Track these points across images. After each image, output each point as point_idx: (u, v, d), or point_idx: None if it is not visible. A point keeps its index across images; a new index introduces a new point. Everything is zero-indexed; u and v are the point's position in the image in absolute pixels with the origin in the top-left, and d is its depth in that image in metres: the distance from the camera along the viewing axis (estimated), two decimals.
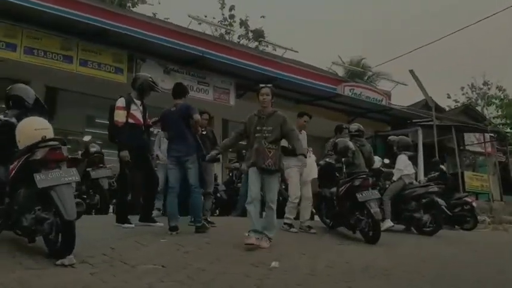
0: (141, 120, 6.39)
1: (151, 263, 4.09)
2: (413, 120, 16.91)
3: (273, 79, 13.10)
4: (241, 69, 12.68)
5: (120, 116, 6.19)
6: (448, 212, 8.61)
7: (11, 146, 4.38)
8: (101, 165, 8.36)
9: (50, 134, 4.34)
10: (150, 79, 6.57)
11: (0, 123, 4.62)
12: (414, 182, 9.11)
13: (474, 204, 12.35)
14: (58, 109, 12.30)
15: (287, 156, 7.34)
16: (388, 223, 8.57)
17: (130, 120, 6.27)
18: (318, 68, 16.33)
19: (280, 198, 10.16)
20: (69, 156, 9.23)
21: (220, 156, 7.72)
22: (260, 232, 5.41)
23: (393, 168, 9.20)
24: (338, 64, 17.55)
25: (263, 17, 39.91)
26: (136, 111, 6.36)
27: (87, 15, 10.57)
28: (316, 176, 7.86)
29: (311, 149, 7.94)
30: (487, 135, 19.59)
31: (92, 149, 8.60)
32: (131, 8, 24.42)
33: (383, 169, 9.51)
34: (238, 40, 30.28)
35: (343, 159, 7.88)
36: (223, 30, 30.14)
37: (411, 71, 15.72)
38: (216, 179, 10.84)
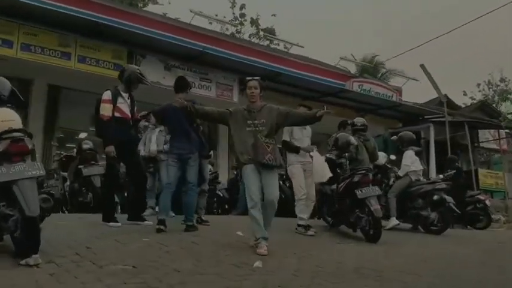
0: (129, 114, 6.13)
1: (122, 264, 3.81)
2: (425, 117, 16.41)
3: (277, 75, 12.83)
4: (244, 65, 12.34)
5: (105, 110, 5.94)
6: (456, 209, 8.21)
7: None
8: (93, 162, 8.11)
9: (17, 126, 4.08)
10: (138, 71, 6.31)
11: None
12: (421, 179, 8.71)
13: (487, 202, 11.87)
14: (61, 107, 12.17)
15: (288, 153, 7.09)
16: (393, 221, 8.23)
17: (117, 114, 6.01)
18: (326, 63, 15.97)
19: (283, 196, 9.91)
20: (64, 154, 9.20)
21: (212, 153, 7.51)
22: (267, 238, 4.94)
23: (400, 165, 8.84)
24: (346, 59, 17.10)
25: (274, 15, 39.69)
26: (123, 104, 6.10)
27: (85, 10, 10.41)
28: (330, 175, 7.40)
29: (315, 147, 7.47)
30: (503, 132, 18.95)
31: (85, 146, 8.37)
32: (142, 8, 24.34)
33: (389, 165, 9.14)
34: (249, 39, 29.99)
35: (346, 154, 7.56)
36: (233, 29, 30.04)
37: (422, 66, 15.24)
38: (217, 177, 10.56)
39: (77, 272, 3.50)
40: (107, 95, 6.02)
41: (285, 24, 50.81)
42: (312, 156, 7.14)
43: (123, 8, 11.65)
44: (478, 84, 33.28)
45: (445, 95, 19.78)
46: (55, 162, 9.10)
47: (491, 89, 33.10)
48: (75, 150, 8.90)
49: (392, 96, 16.52)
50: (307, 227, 6.77)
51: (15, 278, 3.22)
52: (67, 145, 13.90)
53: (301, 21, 53.37)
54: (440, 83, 15.51)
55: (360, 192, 6.42)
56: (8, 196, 3.77)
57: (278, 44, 29.27)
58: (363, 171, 6.72)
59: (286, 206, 7.63)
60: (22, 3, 9.52)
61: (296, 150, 6.97)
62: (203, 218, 7.03)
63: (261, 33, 30.85)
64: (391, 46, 45.97)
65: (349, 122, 8.92)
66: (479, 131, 18.88)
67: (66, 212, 8.43)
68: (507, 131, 19.07)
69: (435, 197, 8.19)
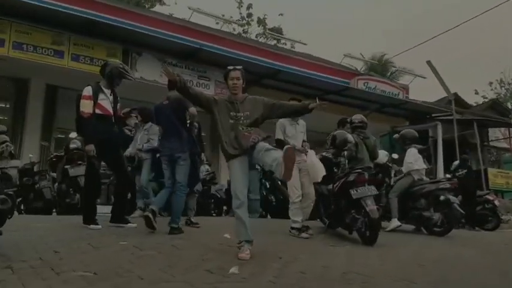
0: (111, 110, 5.85)
1: (84, 270, 3.51)
2: (433, 115, 15.97)
3: (277, 72, 12.51)
4: (244, 63, 11.99)
5: (86, 107, 5.67)
6: (461, 210, 7.80)
7: None
8: (80, 162, 7.83)
9: None
10: (121, 65, 6.04)
11: None
12: (424, 178, 8.32)
13: (496, 202, 11.45)
14: (59, 107, 12.00)
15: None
16: (394, 223, 7.88)
17: (98, 111, 5.73)
18: (329, 61, 15.59)
19: (281, 196, 9.61)
20: (54, 154, 8.95)
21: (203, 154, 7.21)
22: (252, 242, 4.62)
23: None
24: (351, 57, 16.68)
25: (281, 14, 39.41)
26: (105, 100, 5.82)
27: (79, 7, 10.20)
28: (323, 174, 7.01)
29: (308, 145, 7.11)
30: None
31: (72, 146, 8.10)
32: (149, 9, 24.15)
33: (390, 164, 8.77)
34: (256, 39, 29.73)
35: (344, 152, 7.22)
36: (240, 29, 29.82)
37: (429, 62, 14.84)
38: (214, 177, 10.25)
39: (30, 279, 3.20)
40: (87, 91, 5.76)
41: (292, 23, 50.39)
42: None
43: (118, 5, 11.38)
44: (490, 83, 32.74)
45: (455, 94, 19.35)
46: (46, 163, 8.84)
47: (503, 88, 32.52)
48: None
49: (398, 94, 16.13)
50: (301, 230, 6.44)
51: None
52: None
53: (307, 21, 53.04)
54: (452, 81, 15.13)
55: (354, 192, 6.08)
56: None
57: (285, 44, 29.08)
58: (359, 170, 6.36)
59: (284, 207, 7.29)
60: (14, 0, 9.32)
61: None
62: (193, 219, 6.76)
63: (266, 32, 30.58)
64: (398, 45, 45.37)
65: (348, 120, 8.57)
66: (489, 129, 18.41)
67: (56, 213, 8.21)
68: None
69: (440, 197, 7.83)
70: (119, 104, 6.08)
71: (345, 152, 7.21)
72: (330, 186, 6.86)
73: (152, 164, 7.27)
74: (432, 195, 7.90)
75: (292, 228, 6.50)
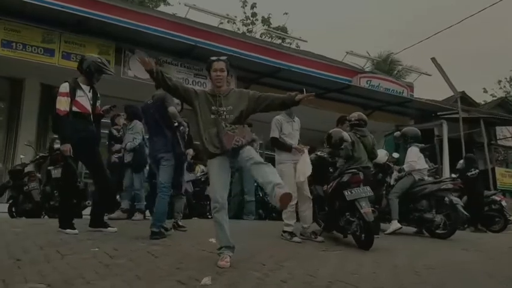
0: (89, 108, 5.53)
1: (37, 281, 3.19)
2: (438, 113, 15.52)
3: (276, 70, 12.16)
4: (241, 60, 11.71)
5: (61, 104, 5.37)
6: (464, 212, 7.42)
7: None
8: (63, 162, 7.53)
9: None
10: (99, 60, 5.72)
11: None
12: (426, 178, 7.94)
13: (503, 203, 11.01)
14: (54, 107, 11.71)
15: (279, 150, 6.41)
16: (395, 225, 7.53)
17: (75, 109, 5.42)
18: (331, 59, 15.20)
19: None
20: (40, 155, 8.65)
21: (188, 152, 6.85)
22: (233, 248, 4.25)
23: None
24: (353, 54, 16.27)
25: (286, 13, 39.12)
26: (83, 98, 5.51)
27: (70, 4, 9.94)
28: (309, 173, 6.64)
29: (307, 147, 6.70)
30: None
31: (56, 146, 7.79)
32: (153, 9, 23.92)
33: (391, 164, 8.40)
34: (261, 38, 29.41)
35: (341, 152, 6.87)
36: (244, 28, 29.53)
37: (433, 59, 14.41)
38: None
39: None
40: (64, 87, 5.46)
41: (297, 23, 50.00)
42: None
43: (110, 2, 11.05)
44: (499, 81, 32.18)
45: (462, 92, 18.87)
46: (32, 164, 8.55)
47: None
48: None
49: (403, 92, 15.73)
50: (292, 234, 6.10)
51: None
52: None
53: (313, 20, 52.54)
54: (460, 80, 14.70)
55: (348, 193, 5.73)
56: None
57: (290, 43, 28.76)
58: (353, 170, 6.01)
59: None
60: None
61: (289, 149, 6.29)
62: (180, 223, 6.44)
63: (266, 29, 30.17)
64: (404, 45, 44.79)
65: (347, 117, 8.21)
66: (496, 128, 17.91)
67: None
68: None
69: (443, 199, 7.47)
70: (98, 101, 5.77)
71: (341, 152, 6.85)
72: (325, 187, 6.52)
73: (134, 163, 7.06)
74: (434, 196, 7.55)
75: (284, 231, 6.16)
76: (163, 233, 5.44)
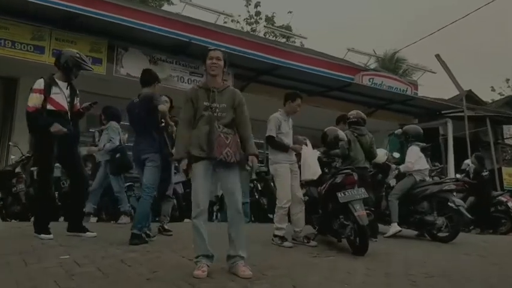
0: (65, 106, 5.24)
1: None
2: (442, 112, 15.10)
3: (274, 68, 11.82)
4: (239, 57, 11.34)
5: (32, 101, 5.12)
6: (467, 214, 7.05)
7: None
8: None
9: None
10: (78, 55, 5.42)
11: None
12: (427, 179, 7.58)
13: (510, 204, 10.59)
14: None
15: (275, 150, 6.09)
16: (394, 228, 7.22)
17: (50, 107, 5.15)
18: (333, 56, 14.84)
19: (276, 200, 8.91)
20: (26, 155, 8.37)
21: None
22: (212, 257, 3.95)
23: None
24: (355, 51, 15.90)
25: (290, 12, 38.81)
26: (59, 95, 5.22)
27: (61, 1, 9.64)
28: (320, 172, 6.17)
29: (306, 138, 6.39)
30: None
31: None
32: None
33: (390, 164, 8.04)
34: (264, 36, 29.12)
35: (337, 151, 6.54)
36: (248, 27, 29.25)
37: (437, 56, 14.03)
38: None
39: None
40: (39, 84, 5.19)
41: (299, 22, 49.64)
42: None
43: None
44: (507, 80, 31.65)
45: (469, 90, 18.40)
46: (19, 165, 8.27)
47: None
48: None
49: (406, 90, 15.31)
50: (283, 238, 5.77)
51: None
52: None
53: (318, 19, 52.08)
54: (467, 79, 14.26)
55: (342, 195, 5.38)
56: None
57: (294, 41, 28.43)
58: (347, 171, 5.67)
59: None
60: None
61: (285, 149, 5.96)
62: (166, 227, 6.14)
63: (265, 26, 29.88)
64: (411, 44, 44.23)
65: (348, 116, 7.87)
66: (504, 126, 17.43)
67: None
68: None
69: (443, 200, 7.11)
70: (77, 98, 5.47)
71: (337, 151, 6.52)
72: (319, 189, 6.19)
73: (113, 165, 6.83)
74: (435, 198, 7.19)
75: (275, 236, 5.84)
76: (143, 238, 5.13)
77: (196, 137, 3.99)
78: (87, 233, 5.30)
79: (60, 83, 5.25)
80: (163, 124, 5.71)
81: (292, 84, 12.15)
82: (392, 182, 8.03)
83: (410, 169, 7.39)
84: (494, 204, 10.52)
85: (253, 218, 9.22)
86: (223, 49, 4.40)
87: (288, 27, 31.58)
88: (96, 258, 4.14)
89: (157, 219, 6.31)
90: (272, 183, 8.95)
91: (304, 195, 6.39)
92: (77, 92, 5.46)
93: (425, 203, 7.25)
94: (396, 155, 8.37)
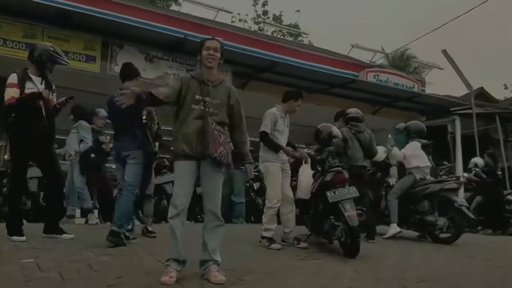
0: (40, 101, 4.99)
1: None
2: (450, 109, 14.66)
3: (273, 64, 11.53)
4: (237, 54, 11.07)
5: (9, 94, 4.89)
6: (470, 214, 6.70)
7: None
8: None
9: None
10: (52, 48, 5.19)
11: None
12: (428, 177, 7.24)
13: None
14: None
15: (266, 148, 5.80)
16: (394, 229, 6.89)
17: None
18: (336, 52, 14.49)
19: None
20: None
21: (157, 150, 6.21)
22: (183, 262, 3.68)
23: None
24: (359, 47, 15.50)
25: (298, 11, 38.50)
26: (33, 90, 4.98)
27: None
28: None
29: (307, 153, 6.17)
30: None
31: None
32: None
33: (390, 162, 7.73)
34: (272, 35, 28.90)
35: (330, 148, 6.24)
36: (256, 26, 28.98)
37: (444, 52, 13.60)
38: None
39: None
40: (12, 78, 4.98)
41: (304, 22, 49.30)
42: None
43: None
44: None
45: (481, 88, 17.93)
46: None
47: None
48: None
49: (413, 87, 14.91)
50: (271, 240, 5.48)
51: None
52: None
53: (326, 18, 51.62)
54: (480, 76, 13.82)
55: (331, 194, 5.08)
56: None
57: (302, 40, 28.15)
58: (337, 169, 5.36)
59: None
60: None
61: (277, 149, 5.67)
62: (149, 228, 5.87)
63: (264, 21, 29.64)
64: (420, 41, 43.65)
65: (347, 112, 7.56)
66: None
67: None
68: None
69: (445, 199, 6.78)
70: (54, 94, 5.24)
71: (331, 148, 6.21)
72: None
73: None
74: (436, 197, 6.86)
75: (263, 237, 5.55)
76: (122, 238, 4.87)
77: (184, 133, 3.68)
78: (64, 234, 5.07)
79: (34, 77, 5.03)
80: (145, 121, 5.48)
81: (293, 82, 11.92)
82: (392, 181, 7.73)
83: (400, 158, 7.21)
84: (502, 204, 10.13)
85: (253, 219, 8.96)
86: (220, 39, 4.07)
87: (295, 26, 31.31)
88: (63, 262, 3.90)
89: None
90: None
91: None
92: (53, 87, 5.22)
93: (425, 202, 6.92)
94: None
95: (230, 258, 4.59)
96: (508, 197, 10.34)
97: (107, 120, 6.79)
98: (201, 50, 3.84)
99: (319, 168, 6.03)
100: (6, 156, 8.94)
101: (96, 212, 7.33)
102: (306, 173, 5.88)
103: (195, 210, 8.83)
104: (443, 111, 15.03)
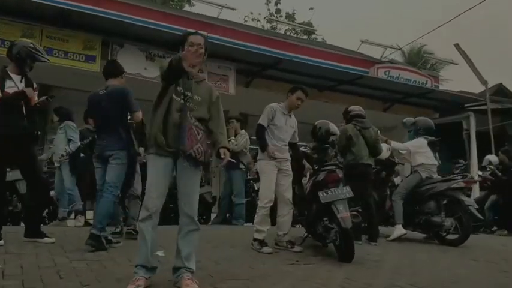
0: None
1: None
2: (465, 105, 14.18)
3: (277, 61, 11.24)
4: (242, 52, 10.84)
5: None
6: (478, 214, 6.34)
7: None
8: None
9: None
10: (31, 45, 4.99)
11: None
12: (435, 176, 6.89)
13: None
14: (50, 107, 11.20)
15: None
16: (399, 230, 6.57)
17: None
18: (345, 48, 14.14)
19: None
20: None
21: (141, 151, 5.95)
22: (153, 269, 3.43)
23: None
24: (369, 43, 15.09)
25: (311, 8, 38.12)
26: (13, 88, 4.78)
27: None
28: None
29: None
30: None
31: None
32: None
33: (395, 160, 7.40)
34: (284, 33, 28.65)
35: (327, 146, 5.96)
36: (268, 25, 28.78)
37: (457, 46, 13.15)
38: (202, 179, 9.09)
39: None
40: None
41: (323, 19, 48.78)
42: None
43: None
44: None
45: (500, 84, 17.32)
46: None
47: None
48: None
49: (426, 83, 14.47)
50: (263, 242, 5.20)
51: None
52: None
53: (328, 19, 51.01)
54: (498, 72, 13.31)
55: (323, 194, 4.79)
56: None
57: (316, 38, 27.89)
58: (330, 167, 5.06)
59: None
60: None
61: (263, 146, 5.41)
62: (137, 229, 5.63)
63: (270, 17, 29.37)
64: (436, 39, 42.82)
65: (348, 109, 7.25)
66: None
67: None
68: None
69: (450, 199, 6.44)
70: (35, 92, 5.04)
71: (327, 146, 5.93)
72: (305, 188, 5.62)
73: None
74: (443, 196, 6.52)
75: (255, 239, 5.28)
76: (102, 242, 4.65)
77: (160, 123, 3.40)
78: (45, 238, 4.87)
79: (13, 76, 4.84)
80: (131, 121, 5.26)
81: (300, 79, 11.58)
82: (397, 180, 7.41)
83: (401, 150, 7.00)
84: None
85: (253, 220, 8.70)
86: (204, 33, 3.87)
87: (309, 24, 31.03)
88: (31, 269, 3.68)
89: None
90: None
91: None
92: (34, 85, 5.02)
93: (432, 202, 6.61)
94: (403, 151, 7.68)
95: (215, 263, 4.40)
96: None
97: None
98: (184, 45, 3.60)
99: (316, 167, 5.76)
100: None
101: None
102: None
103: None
104: (457, 107, 14.56)
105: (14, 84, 4.80)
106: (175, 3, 27.54)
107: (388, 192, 7.24)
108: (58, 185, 6.85)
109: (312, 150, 5.96)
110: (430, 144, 7.00)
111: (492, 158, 10.35)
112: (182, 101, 3.44)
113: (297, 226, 6.86)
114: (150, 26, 9.96)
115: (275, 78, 11.75)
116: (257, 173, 7.22)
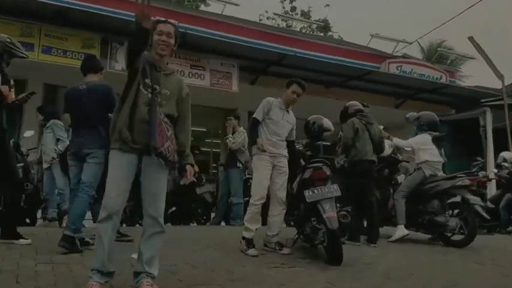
0: None
1: None
2: (481, 100, 13.64)
3: (282, 57, 10.94)
4: (244, 48, 10.58)
5: None
6: (485, 214, 5.97)
7: None
8: None
9: None
10: (9, 40, 4.84)
11: None
12: (439, 174, 6.52)
13: None
14: (59, 107, 11.16)
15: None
16: (401, 231, 6.22)
17: None
18: (355, 44, 13.77)
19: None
20: None
21: None
22: (109, 274, 3.16)
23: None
24: (379, 37, 14.66)
25: (327, 5, 37.75)
26: None
27: None
28: None
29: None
30: None
31: None
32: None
33: (398, 156, 7.06)
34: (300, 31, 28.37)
35: (320, 143, 5.68)
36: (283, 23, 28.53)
37: (471, 39, 12.65)
38: (201, 178, 8.86)
39: None
40: None
41: (340, 17, 48.13)
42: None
43: None
44: None
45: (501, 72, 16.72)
46: None
47: None
48: None
49: (440, 78, 13.99)
50: (250, 243, 4.93)
51: None
52: None
53: (338, 17, 50.22)
54: None
55: (309, 193, 4.49)
56: None
57: (332, 35, 27.56)
58: (316, 164, 4.76)
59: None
60: None
61: (252, 140, 5.17)
62: (122, 231, 5.42)
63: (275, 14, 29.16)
64: (455, 35, 41.82)
65: (365, 104, 6.96)
66: None
67: None
68: None
69: (455, 198, 6.07)
70: (12, 89, 4.87)
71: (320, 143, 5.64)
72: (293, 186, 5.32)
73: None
74: (448, 195, 6.16)
75: (243, 238, 5.00)
76: (77, 244, 4.44)
77: (126, 117, 3.13)
78: (21, 240, 4.68)
79: None
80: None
81: (308, 75, 11.26)
82: (400, 178, 7.05)
83: (404, 145, 6.77)
84: None
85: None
86: (174, 21, 3.63)
87: (324, 21, 30.67)
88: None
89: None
90: None
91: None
92: (11, 82, 4.85)
93: (435, 201, 6.25)
94: (408, 148, 7.34)
95: (191, 266, 4.15)
96: None
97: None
98: (152, 33, 3.33)
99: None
100: None
101: None
102: None
103: None
104: (474, 103, 14.03)
105: None
106: (191, 3, 27.52)
107: (391, 191, 6.89)
108: (47, 185, 6.70)
109: (305, 147, 5.67)
110: (435, 140, 6.63)
111: (507, 154, 9.91)
112: (150, 94, 3.19)
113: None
114: None
115: (280, 75, 11.40)
116: None
